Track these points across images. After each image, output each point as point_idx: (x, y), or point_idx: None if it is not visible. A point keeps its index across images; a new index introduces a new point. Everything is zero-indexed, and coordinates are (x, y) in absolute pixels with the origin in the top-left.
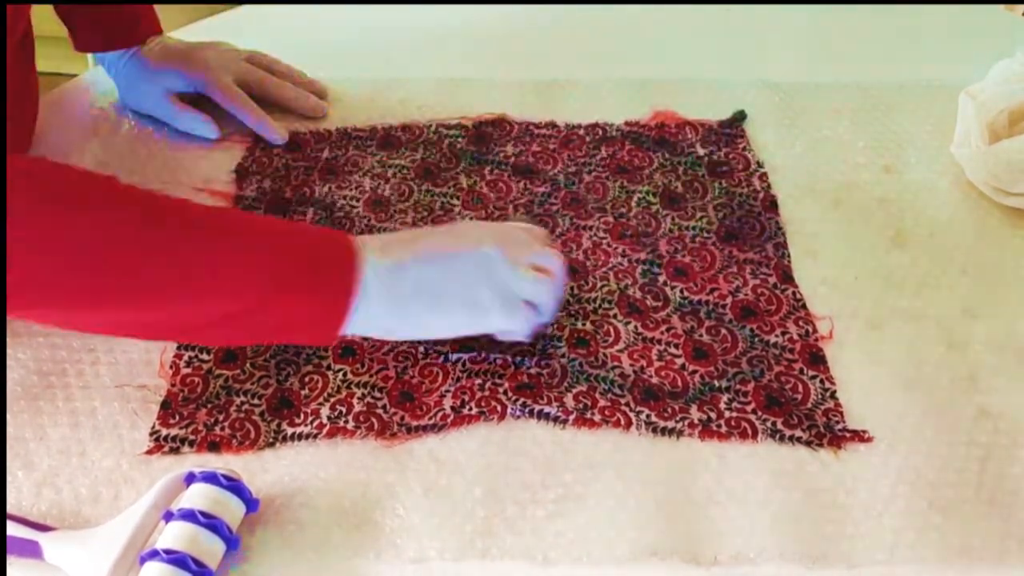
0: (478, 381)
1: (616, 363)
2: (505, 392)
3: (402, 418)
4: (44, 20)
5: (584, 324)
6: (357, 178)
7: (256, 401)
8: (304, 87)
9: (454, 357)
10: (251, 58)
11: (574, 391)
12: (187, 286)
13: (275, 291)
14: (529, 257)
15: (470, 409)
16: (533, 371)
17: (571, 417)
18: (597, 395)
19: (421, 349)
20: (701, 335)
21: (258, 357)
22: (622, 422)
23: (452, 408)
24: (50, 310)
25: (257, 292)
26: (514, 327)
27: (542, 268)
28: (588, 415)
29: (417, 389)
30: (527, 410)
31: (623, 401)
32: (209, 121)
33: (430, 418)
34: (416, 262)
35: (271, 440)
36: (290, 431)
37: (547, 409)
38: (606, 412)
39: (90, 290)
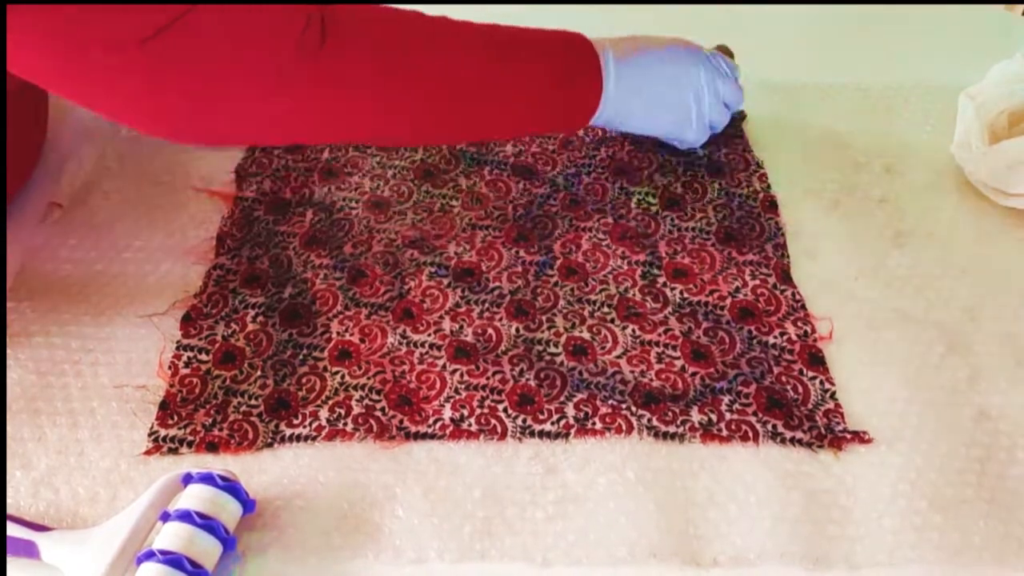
0: (477, 396)
1: (616, 369)
2: (505, 410)
3: (401, 421)
4: None
5: (582, 331)
6: (356, 179)
7: (254, 402)
8: None
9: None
10: None
11: (575, 400)
12: (491, 95)
13: (552, 88)
14: (724, 89)
15: (469, 425)
16: (533, 383)
17: (572, 430)
18: (598, 402)
19: (417, 354)
20: (699, 336)
21: (256, 358)
22: (624, 428)
23: (452, 420)
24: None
25: (539, 91)
26: (696, 141)
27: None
28: (589, 424)
29: (415, 395)
30: (528, 431)
31: (624, 407)
32: None
33: (428, 426)
34: (641, 70)
35: (269, 441)
36: (288, 432)
37: (547, 428)
38: (607, 419)
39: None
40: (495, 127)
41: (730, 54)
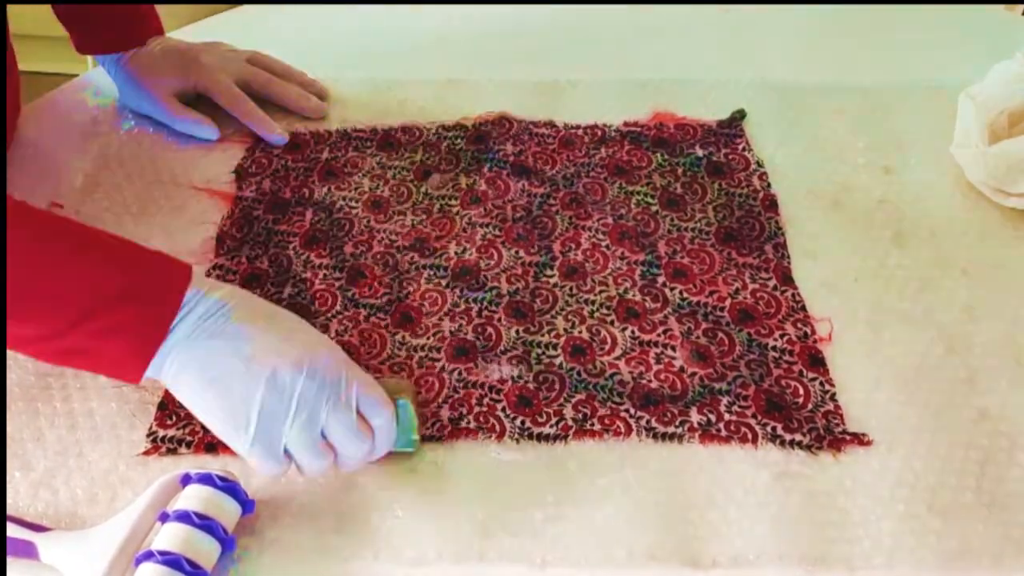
0: (476, 394)
1: (614, 370)
2: (504, 410)
3: None
4: (44, 20)
5: (580, 331)
6: (356, 179)
7: None
8: (305, 87)
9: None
10: (252, 59)
11: (573, 400)
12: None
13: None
14: (334, 427)
15: (468, 423)
16: (531, 385)
17: (571, 432)
18: (596, 403)
19: (416, 358)
20: (698, 337)
21: None
22: (622, 429)
23: (450, 420)
24: None
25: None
26: (254, 461)
27: (330, 443)
28: (588, 425)
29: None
30: (527, 433)
31: (623, 408)
32: (208, 123)
33: (427, 428)
34: (233, 338)
35: None
36: None
37: (546, 431)
38: (606, 420)
39: None
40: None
41: (411, 395)
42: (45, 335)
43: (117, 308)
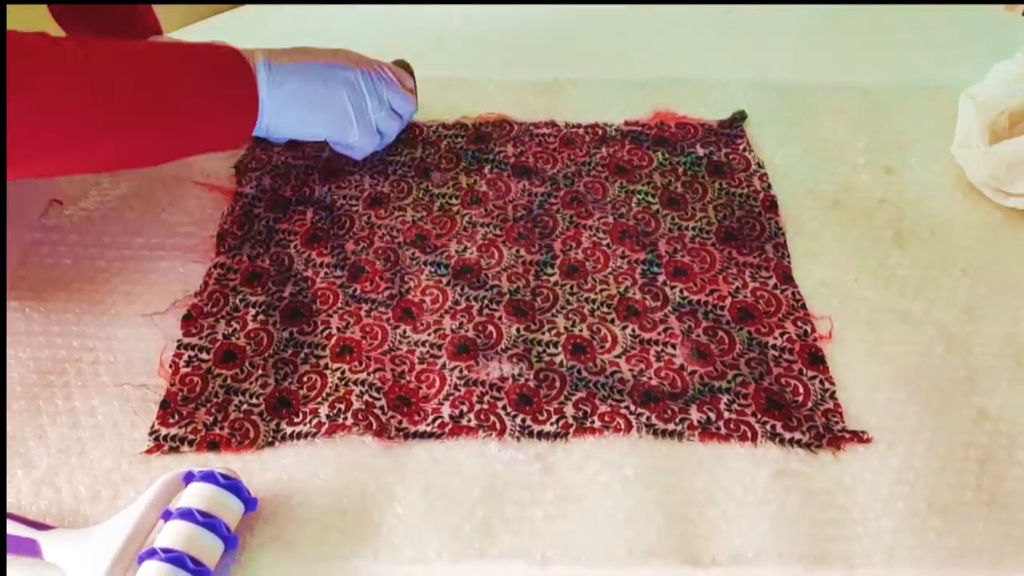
0: (477, 392)
1: (615, 368)
2: (504, 408)
3: (400, 422)
4: (44, 20)
5: (581, 329)
6: (357, 177)
7: (255, 401)
8: None
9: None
10: None
11: (574, 398)
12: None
13: (206, 102)
14: (389, 95)
15: (469, 420)
16: (532, 383)
17: (571, 430)
18: (597, 401)
19: (418, 353)
20: (699, 335)
21: (257, 357)
22: (622, 426)
23: (451, 417)
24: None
25: (193, 108)
26: (363, 147)
27: (395, 110)
28: (588, 422)
29: (414, 394)
30: (527, 431)
31: (623, 405)
32: None
33: (428, 424)
34: (295, 72)
35: (270, 439)
36: (289, 430)
37: (547, 428)
38: (606, 417)
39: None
40: (157, 148)
41: (408, 69)
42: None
43: (208, 107)
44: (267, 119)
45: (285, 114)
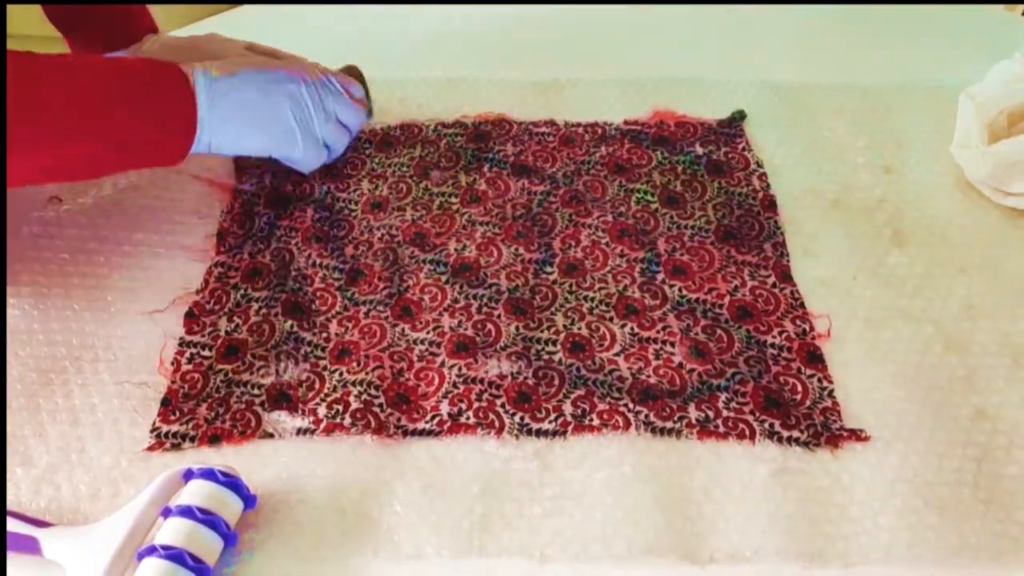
0: (475, 389)
1: (613, 366)
2: (503, 405)
3: (399, 419)
4: (44, 20)
5: (580, 327)
6: (357, 177)
7: (256, 391)
8: None
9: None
10: (251, 47)
11: (572, 396)
12: (69, 125)
13: (143, 122)
14: (336, 107)
15: (467, 418)
16: (531, 381)
17: (570, 428)
18: (595, 399)
19: (417, 351)
20: (697, 334)
21: (259, 348)
22: (621, 424)
23: (450, 415)
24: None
25: (122, 126)
26: (309, 161)
27: (342, 122)
28: (587, 420)
29: (413, 392)
30: (525, 429)
31: (621, 403)
32: None
33: (427, 422)
34: (234, 87)
35: (271, 431)
36: (290, 424)
37: (546, 426)
38: (605, 415)
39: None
40: (87, 164)
41: (358, 75)
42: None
43: (144, 124)
44: (207, 136)
45: (225, 131)
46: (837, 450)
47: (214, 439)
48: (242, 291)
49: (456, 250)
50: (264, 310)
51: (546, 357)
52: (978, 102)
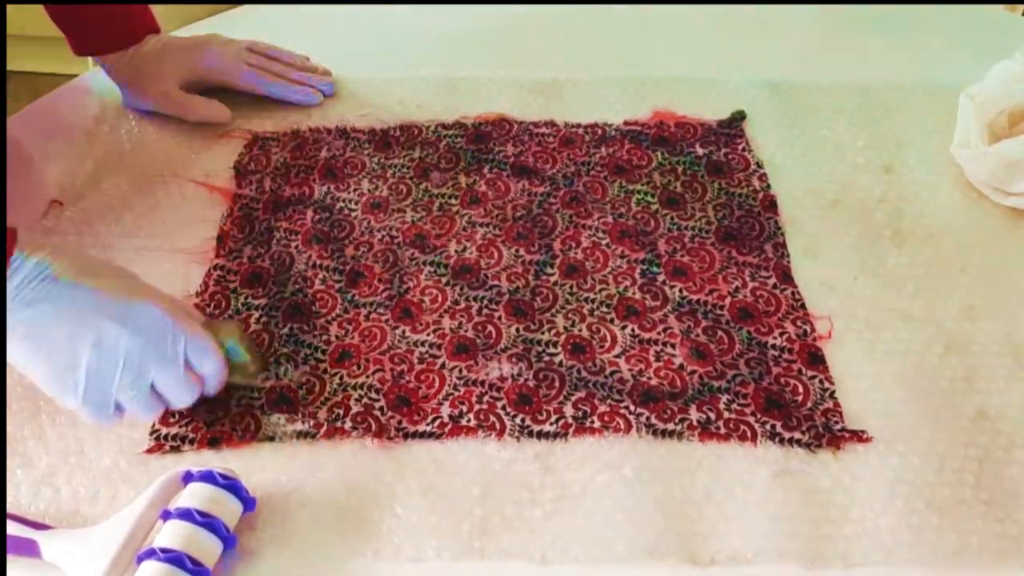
0: (476, 391)
1: (614, 368)
2: (504, 408)
3: (399, 422)
4: (44, 20)
5: (580, 329)
6: (356, 178)
7: (255, 395)
8: (306, 71)
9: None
10: (251, 46)
11: (573, 398)
12: None
13: None
14: (160, 379)
15: (468, 420)
16: (531, 383)
17: (571, 430)
18: (596, 401)
19: (417, 353)
20: (698, 335)
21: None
22: (622, 426)
23: (450, 417)
24: None
25: None
26: (85, 416)
27: (160, 393)
28: (588, 422)
29: (414, 394)
30: (526, 431)
31: (622, 405)
32: (220, 105)
33: (427, 424)
34: (49, 299)
35: (271, 434)
36: (289, 428)
37: (546, 428)
38: (606, 417)
39: None
40: None
41: (241, 334)
42: None
43: None
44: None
45: (12, 338)
46: (838, 451)
47: (214, 441)
48: (243, 298)
49: (456, 251)
50: (264, 319)
51: (547, 359)
52: (978, 102)
